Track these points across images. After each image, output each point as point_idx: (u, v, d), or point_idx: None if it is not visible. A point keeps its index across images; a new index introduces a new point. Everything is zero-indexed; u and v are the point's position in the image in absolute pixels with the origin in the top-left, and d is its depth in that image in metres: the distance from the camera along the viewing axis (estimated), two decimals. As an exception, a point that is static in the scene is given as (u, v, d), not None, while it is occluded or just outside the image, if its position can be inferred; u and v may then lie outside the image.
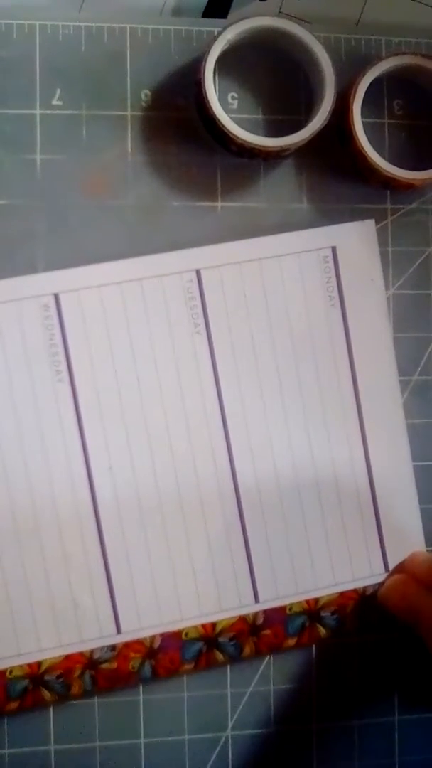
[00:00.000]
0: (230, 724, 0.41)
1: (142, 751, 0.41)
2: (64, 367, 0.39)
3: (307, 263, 0.41)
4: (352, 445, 0.41)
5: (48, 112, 0.40)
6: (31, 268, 0.39)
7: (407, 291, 0.42)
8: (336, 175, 0.42)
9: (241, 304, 0.41)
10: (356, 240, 0.41)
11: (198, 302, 0.40)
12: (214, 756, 0.41)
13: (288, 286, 0.41)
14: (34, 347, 0.39)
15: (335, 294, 0.41)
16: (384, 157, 0.40)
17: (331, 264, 0.41)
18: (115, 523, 0.40)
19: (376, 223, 0.42)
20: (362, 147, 0.40)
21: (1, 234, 0.39)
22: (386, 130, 0.42)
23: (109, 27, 0.40)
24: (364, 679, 0.42)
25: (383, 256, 0.42)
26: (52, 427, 0.39)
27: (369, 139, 0.40)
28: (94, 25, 0.40)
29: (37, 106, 0.40)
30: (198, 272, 0.40)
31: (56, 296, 0.39)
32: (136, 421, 0.40)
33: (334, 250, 0.41)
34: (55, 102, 0.40)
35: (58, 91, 0.40)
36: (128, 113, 0.40)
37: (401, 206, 0.42)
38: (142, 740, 0.41)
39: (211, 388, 0.40)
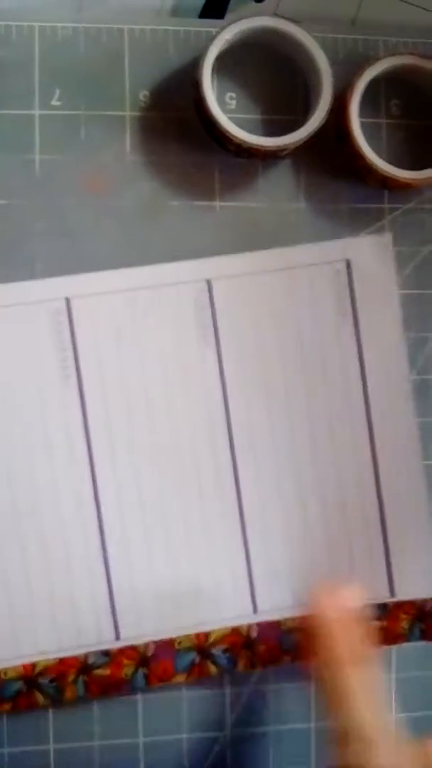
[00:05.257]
0: (229, 723, 0.41)
1: (141, 750, 0.41)
2: (72, 371, 0.39)
3: (319, 276, 0.41)
4: (361, 463, 0.41)
5: (47, 112, 0.40)
6: (29, 268, 0.40)
7: (405, 291, 0.42)
8: (333, 175, 0.42)
9: (252, 316, 0.40)
10: (371, 254, 0.41)
11: (208, 312, 0.40)
12: (213, 755, 0.41)
13: (300, 298, 0.41)
14: (43, 351, 0.39)
15: (348, 308, 0.41)
16: (381, 157, 0.40)
17: (345, 277, 0.41)
18: (118, 529, 0.40)
19: (373, 223, 0.42)
20: (360, 147, 0.40)
21: (0, 234, 0.40)
22: (384, 129, 0.42)
23: (108, 28, 0.40)
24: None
25: (381, 255, 0.42)
26: (58, 432, 0.39)
27: (366, 139, 0.40)
28: (92, 26, 0.40)
29: (36, 107, 0.40)
30: (209, 282, 0.40)
31: (67, 301, 0.39)
32: (143, 429, 0.40)
33: (348, 263, 0.41)
34: (54, 102, 0.40)
35: (57, 91, 0.40)
36: (127, 113, 0.40)
37: (398, 206, 0.42)
38: (141, 739, 0.41)
39: (218, 398, 0.40)
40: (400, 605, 0.41)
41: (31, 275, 0.40)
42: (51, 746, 0.40)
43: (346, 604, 0.39)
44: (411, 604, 0.41)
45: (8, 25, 0.40)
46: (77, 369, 0.39)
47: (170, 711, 0.41)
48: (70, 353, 0.39)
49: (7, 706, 0.39)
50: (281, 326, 0.40)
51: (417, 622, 0.41)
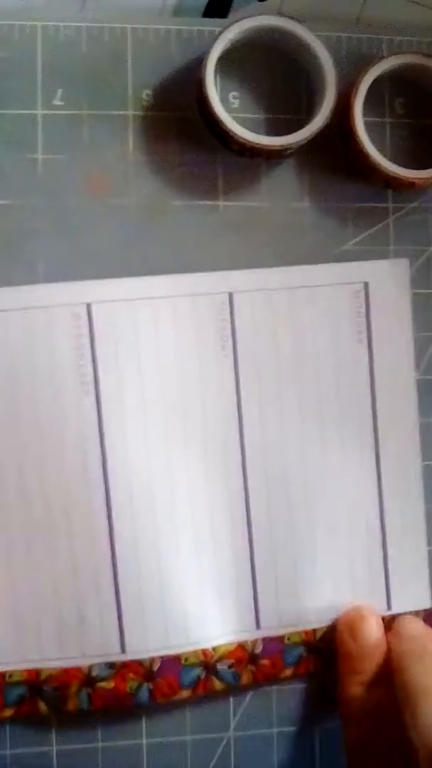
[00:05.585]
0: (232, 725, 0.41)
1: (144, 751, 0.41)
2: (90, 378, 0.39)
3: (339, 296, 0.41)
4: (367, 484, 0.41)
5: (49, 112, 0.40)
6: (32, 268, 0.40)
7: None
8: (337, 174, 0.42)
9: (269, 331, 0.40)
10: (389, 277, 0.41)
11: (228, 324, 0.40)
12: (217, 757, 0.41)
13: (318, 316, 0.41)
14: (62, 355, 0.39)
15: (363, 330, 0.41)
16: (385, 156, 0.40)
17: (362, 299, 0.41)
18: (129, 541, 0.39)
19: (377, 222, 0.42)
20: (363, 146, 0.40)
21: (3, 233, 0.39)
22: (388, 129, 0.42)
23: (110, 27, 0.40)
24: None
25: (384, 255, 0.42)
26: (73, 438, 0.39)
27: (370, 138, 0.40)
28: (95, 25, 0.40)
29: (39, 106, 0.40)
30: (231, 295, 0.40)
31: (88, 306, 0.39)
32: (157, 439, 0.39)
33: (366, 285, 0.41)
34: (56, 102, 0.40)
35: (60, 91, 0.40)
36: (129, 113, 0.40)
37: (402, 205, 0.42)
38: (144, 741, 0.41)
39: (233, 410, 0.40)
40: (395, 618, 0.41)
41: (33, 275, 0.40)
42: (54, 748, 0.40)
43: (376, 624, 0.40)
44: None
45: (11, 24, 0.39)
46: (95, 375, 0.39)
47: (174, 712, 0.41)
48: (88, 359, 0.39)
49: (9, 712, 0.39)
50: (298, 342, 0.40)
51: None
